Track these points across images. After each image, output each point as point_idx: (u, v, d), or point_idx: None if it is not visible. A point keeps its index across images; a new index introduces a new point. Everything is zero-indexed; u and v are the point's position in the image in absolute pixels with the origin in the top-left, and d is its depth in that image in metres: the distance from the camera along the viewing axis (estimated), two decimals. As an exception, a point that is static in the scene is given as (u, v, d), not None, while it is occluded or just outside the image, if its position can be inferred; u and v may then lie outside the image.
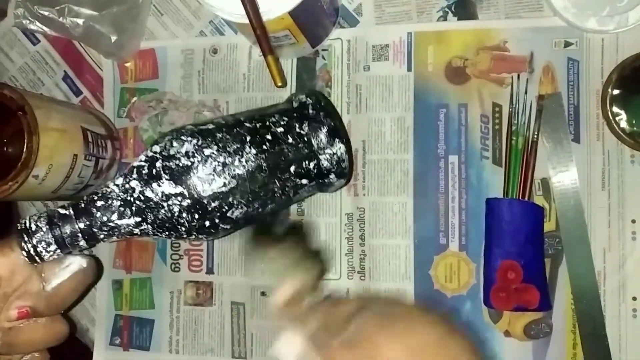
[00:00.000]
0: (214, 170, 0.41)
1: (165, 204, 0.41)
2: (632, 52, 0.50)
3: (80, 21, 0.55)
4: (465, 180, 0.53)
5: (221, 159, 0.41)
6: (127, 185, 0.42)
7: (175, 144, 0.42)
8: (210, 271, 0.57)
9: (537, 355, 0.51)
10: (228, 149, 0.42)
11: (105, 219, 0.42)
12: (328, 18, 0.53)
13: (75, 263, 0.44)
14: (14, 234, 0.42)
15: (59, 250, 0.42)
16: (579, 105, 0.51)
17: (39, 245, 0.41)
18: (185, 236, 0.43)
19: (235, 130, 0.43)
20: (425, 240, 0.53)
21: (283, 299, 0.34)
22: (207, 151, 0.41)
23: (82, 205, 0.42)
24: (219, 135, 0.42)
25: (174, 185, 0.41)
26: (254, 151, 0.42)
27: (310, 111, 0.45)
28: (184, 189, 0.41)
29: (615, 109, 0.50)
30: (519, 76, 0.52)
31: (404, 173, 0.54)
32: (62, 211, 0.42)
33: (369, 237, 0.54)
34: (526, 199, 0.51)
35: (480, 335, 0.51)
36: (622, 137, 0.49)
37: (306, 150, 0.44)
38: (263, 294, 0.56)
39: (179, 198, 0.41)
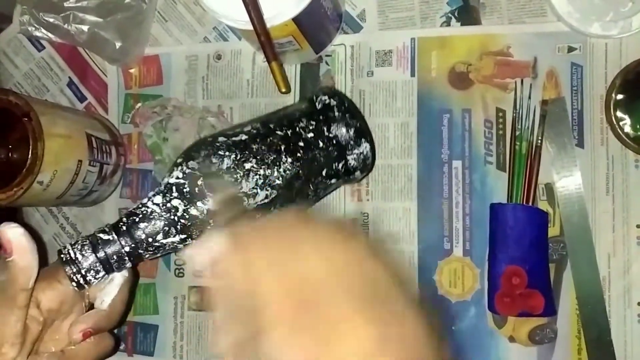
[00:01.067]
0: (256, 183, 0.41)
1: (211, 221, 0.41)
2: (636, 57, 0.50)
3: (85, 28, 0.55)
4: (469, 185, 0.53)
5: (261, 172, 0.41)
6: (168, 205, 0.42)
7: (214, 159, 0.42)
8: (214, 276, 0.57)
9: (542, 361, 0.51)
10: (266, 160, 0.42)
11: (150, 240, 0.41)
12: (332, 24, 0.53)
13: (119, 276, 0.43)
14: (58, 264, 0.42)
15: (106, 275, 0.42)
16: (582, 110, 0.51)
17: (88, 275, 0.41)
18: None
19: (269, 140, 0.43)
20: (429, 246, 0.53)
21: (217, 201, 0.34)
22: (247, 165, 0.42)
23: (124, 228, 0.42)
24: (254, 146, 0.43)
25: None
26: (290, 160, 0.43)
27: (336, 113, 0.46)
28: None
29: (619, 114, 0.50)
30: (522, 81, 0.52)
31: (408, 178, 0.54)
32: (105, 237, 0.41)
33: (373, 243, 0.54)
34: (530, 204, 0.51)
35: (485, 340, 0.51)
36: (626, 142, 0.49)
37: (336, 153, 0.45)
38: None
39: None
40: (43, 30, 0.57)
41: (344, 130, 0.45)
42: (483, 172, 0.53)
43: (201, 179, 0.42)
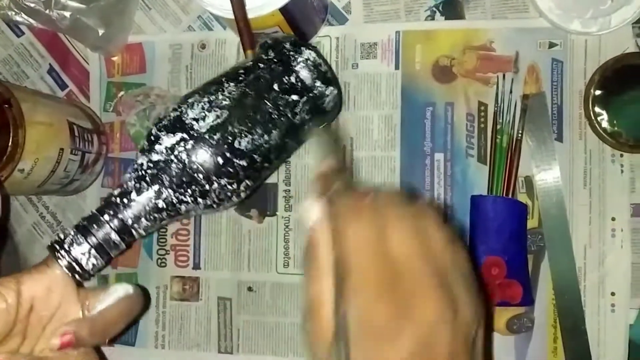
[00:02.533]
0: (202, 108, 0.42)
1: (172, 156, 0.42)
2: (614, 54, 0.51)
3: (67, 14, 0.54)
4: (451, 177, 0.54)
5: (205, 99, 0.43)
6: (135, 166, 0.44)
7: (163, 111, 0.45)
8: (196, 266, 0.57)
9: (519, 350, 0.52)
10: (208, 90, 0.43)
11: (125, 200, 0.42)
12: (317, 15, 0.54)
13: (121, 289, 0.41)
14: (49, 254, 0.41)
15: (94, 252, 0.40)
16: (562, 105, 0.53)
17: (72, 250, 0.40)
18: (208, 187, 0.42)
19: (211, 80, 0.46)
20: (411, 237, 0.54)
21: (324, 168, 0.35)
22: (190, 100, 0.43)
23: (103, 202, 0.43)
24: (198, 89, 0.45)
25: (172, 135, 0.42)
26: (232, 84, 0.43)
27: (269, 41, 0.47)
28: (182, 132, 0.42)
29: (597, 109, 0.51)
30: (504, 76, 0.53)
31: (391, 170, 0.55)
32: (86, 214, 0.42)
33: (356, 233, 0.55)
34: (510, 196, 0.52)
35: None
36: (603, 137, 0.51)
37: (280, 68, 0.45)
38: (250, 289, 0.56)
39: (182, 143, 0.41)
40: (24, 16, 0.56)
41: (280, 48, 0.45)
42: (464, 165, 0.54)
43: (153, 128, 0.43)
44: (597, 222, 0.52)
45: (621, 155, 0.52)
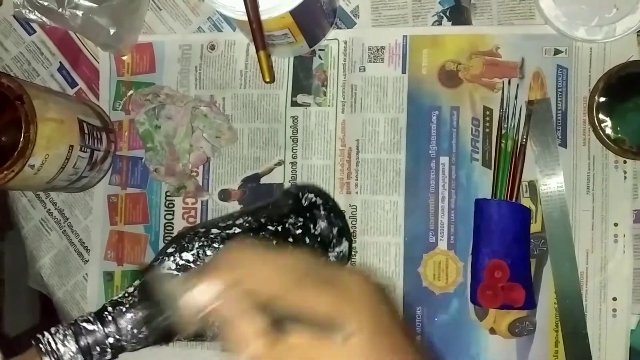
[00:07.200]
0: None
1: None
2: (619, 61, 0.52)
3: (79, 13, 0.55)
4: (455, 181, 0.54)
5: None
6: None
7: (208, 252, 0.43)
8: (202, 265, 0.58)
9: (520, 353, 0.52)
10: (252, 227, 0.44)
11: (135, 331, 0.40)
12: (326, 18, 0.54)
13: None
14: (34, 353, 0.38)
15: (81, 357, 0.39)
16: (566, 111, 0.53)
17: (59, 349, 0.38)
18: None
19: (261, 234, 0.45)
20: (415, 239, 0.54)
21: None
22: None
23: (110, 318, 0.40)
24: (248, 219, 0.45)
25: None
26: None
27: (322, 212, 0.48)
28: None
29: (601, 116, 0.51)
30: (509, 81, 0.54)
31: (396, 172, 0.55)
32: (90, 327, 0.39)
33: (361, 234, 0.55)
34: (514, 200, 0.52)
35: (466, 332, 0.53)
36: (607, 143, 0.51)
37: (320, 250, 0.47)
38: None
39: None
40: (37, 14, 0.57)
41: (327, 228, 0.48)
42: (469, 169, 0.54)
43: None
44: (599, 227, 0.52)
45: (624, 162, 0.52)
